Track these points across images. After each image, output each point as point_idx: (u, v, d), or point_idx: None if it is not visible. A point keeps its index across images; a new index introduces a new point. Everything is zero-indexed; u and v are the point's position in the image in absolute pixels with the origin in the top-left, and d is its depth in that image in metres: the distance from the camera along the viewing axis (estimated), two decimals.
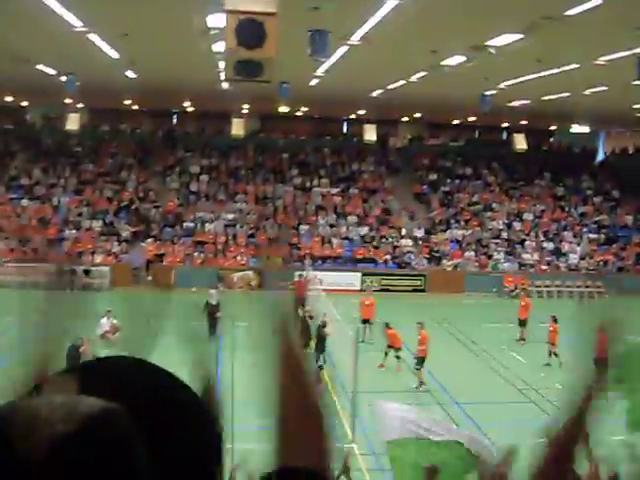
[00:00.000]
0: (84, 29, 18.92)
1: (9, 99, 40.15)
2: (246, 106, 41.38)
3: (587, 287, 36.44)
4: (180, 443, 1.05)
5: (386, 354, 21.54)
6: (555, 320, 22.81)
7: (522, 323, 26.24)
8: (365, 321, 25.29)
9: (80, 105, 39.84)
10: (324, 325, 20.84)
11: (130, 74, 28.23)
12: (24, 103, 44.60)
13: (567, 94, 28.53)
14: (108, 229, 37.58)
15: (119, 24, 18.46)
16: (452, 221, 40.95)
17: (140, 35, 19.60)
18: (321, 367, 20.37)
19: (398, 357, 21.22)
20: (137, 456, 0.93)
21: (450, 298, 33.21)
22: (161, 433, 1.01)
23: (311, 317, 22.10)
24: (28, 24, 18.21)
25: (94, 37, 20.19)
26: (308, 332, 21.73)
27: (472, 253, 38.52)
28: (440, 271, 36.90)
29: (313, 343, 21.72)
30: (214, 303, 24.79)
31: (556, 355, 22.01)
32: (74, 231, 36.96)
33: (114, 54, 23.18)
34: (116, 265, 34.94)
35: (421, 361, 20.32)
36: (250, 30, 9.38)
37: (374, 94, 31.76)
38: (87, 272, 33.55)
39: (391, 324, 21.69)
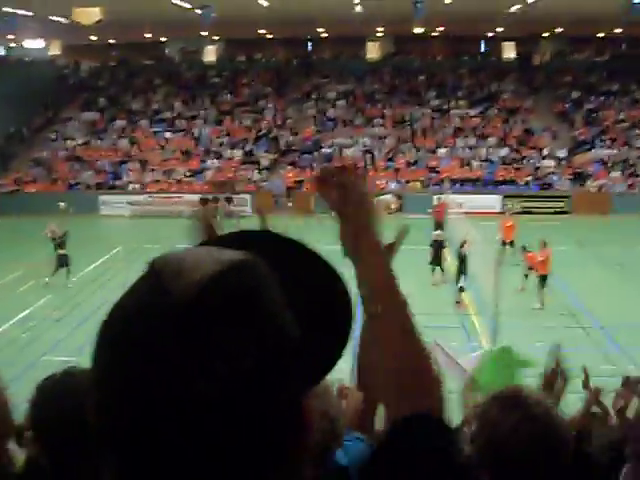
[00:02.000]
0: None
1: (148, 35, 41.10)
2: (380, 29, 40.84)
3: None
4: (312, 305, 1.06)
5: (526, 276, 21.17)
6: None
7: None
8: (506, 243, 24.86)
9: (216, 37, 40.40)
10: (462, 245, 20.68)
11: (263, 2, 28.30)
12: (163, 39, 45.61)
13: None
14: (248, 158, 38.25)
15: None
16: (597, 140, 39.39)
17: None
18: (462, 289, 20.29)
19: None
20: (279, 302, 0.96)
21: (596, 220, 32.15)
22: (296, 289, 1.02)
23: (441, 243, 21.99)
24: None
25: None
26: (438, 256, 21.67)
27: (618, 173, 37.03)
28: (585, 192, 35.70)
29: (444, 266, 21.68)
30: None
31: None
32: (216, 161, 37.84)
33: None
34: (257, 193, 35.62)
35: (543, 279, 20.02)
36: None
37: (512, 9, 30.67)
38: (229, 200, 34.40)
39: (530, 247, 21.21)
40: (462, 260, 20.42)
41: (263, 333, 0.91)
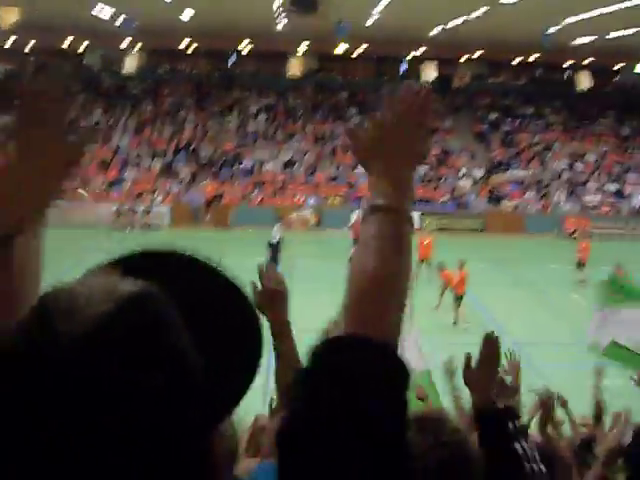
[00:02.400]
0: None
1: (68, 42, 40.41)
2: (303, 46, 41.06)
3: None
4: (218, 331, 1.05)
5: (442, 294, 21.50)
6: (620, 267, 22.41)
7: (581, 265, 25.93)
8: (423, 260, 25.15)
9: (138, 47, 40.01)
10: None
11: (187, 14, 28.17)
12: (83, 46, 44.88)
13: (634, 30, 27.65)
14: (167, 169, 37.90)
15: None
16: (512, 161, 40.35)
17: None
18: None
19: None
20: (178, 335, 0.94)
21: (509, 239, 32.87)
22: (200, 320, 1.00)
23: None
24: None
25: None
26: None
27: (532, 194, 37.97)
28: (499, 212, 36.50)
29: None
30: (275, 240, 25.21)
31: None
32: (134, 172, 37.37)
33: None
34: (175, 205, 35.30)
35: (459, 298, 20.28)
36: None
37: (433, 32, 31.22)
38: (147, 212, 34.02)
39: (446, 265, 21.59)
40: None
41: (160, 372, 0.88)
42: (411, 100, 1.64)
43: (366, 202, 1.55)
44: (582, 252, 26.15)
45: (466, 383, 3.09)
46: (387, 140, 1.58)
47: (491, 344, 3.10)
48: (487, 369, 3.02)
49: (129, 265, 1.05)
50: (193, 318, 0.98)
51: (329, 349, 1.28)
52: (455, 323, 20.17)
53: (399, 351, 1.34)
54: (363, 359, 1.24)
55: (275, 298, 3.01)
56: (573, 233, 34.22)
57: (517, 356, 5.19)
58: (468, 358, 3.12)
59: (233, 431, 2.63)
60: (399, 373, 1.27)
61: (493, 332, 3.21)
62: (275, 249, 24.83)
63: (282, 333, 3.00)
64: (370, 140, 1.61)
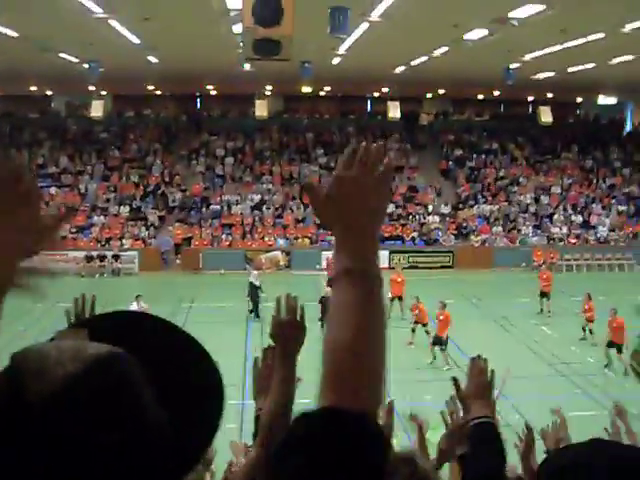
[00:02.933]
0: (104, 15, 18.96)
1: (33, 88, 40.37)
2: (269, 87, 41.33)
3: (617, 259, 36.20)
4: (181, 387, 1.07)
5: (413, 330, 21.54)
6: (590, 297, 22.66)
7: (544, 295, 26.19)
8: (394, 298, 25.29)
9: (104, 92, 40.05)
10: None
11: (152, 59, 28.29)
12: (48, 92, 44.85)
13: (592, 65, 28.17)
14: (135, 214, 37.79)
15: (139, 9, 18.48)
16: (479, 196, 40.74)
17: (161, 19, 19.60)
18: None
19: (427, 332, 21.17)
20: (140, 394, 0.96)
21: (479, 274, 33.08)
22: (163, 377, 1.03)
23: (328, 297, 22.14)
24: (48, 12, 18.29)
25: (115, 23, 20.23)
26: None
27: (500, 228, 38.31)
28: (468, 247, 36.76)
29: None
30: (257, 284, 25.34)
31: (591, 332, 21.93)
32: (102, 217, 37.21)
33: (135, 39, 23.23)
34: (144, 250, 35.16)
35: (440, 340, 20.18)
36: (267, 8, 9.34)
37: (397, 71, 31.57)
38: (116, 257, 33.85)
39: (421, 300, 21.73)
40: None
41: (120, 431, 0.90)
42: (369, 158, 1.62)
43: (333, 265, 1.54)
44: (544, 282, 26.40)
45: (462, 402, 3.11)
46: (350, 196, 1.56)
47: (479, 365, 3.15)
48: (481, 388, 3.06)
49: (95, 327, 1.08)
50: (157, 377, 1.00)
51: (307, 423, 1.28)
52: (431, 363, 20.13)
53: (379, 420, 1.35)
54: (341, 433, 1.23)
55: (288, 329, 3.05)
56: (541, 265, 34.51)
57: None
58: (456, 381, 3.15)
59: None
60: (377, 446, 1.26)
61: (480, 355, 3.26)
62: (256, 292, 25.16)
63: (282, 365, 2.99)
64: (331, 195, 1.59)
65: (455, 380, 3.15)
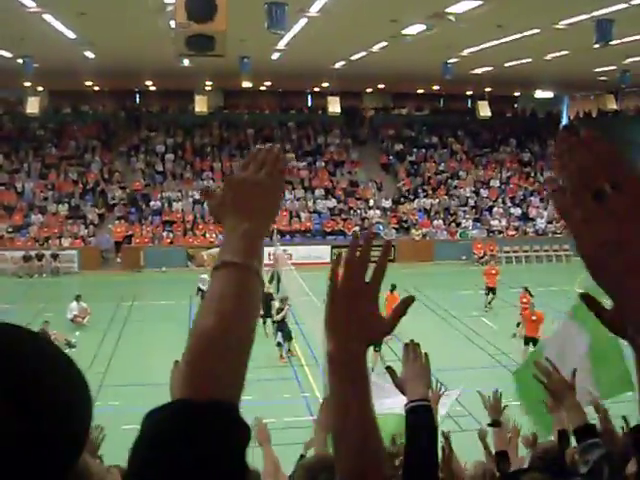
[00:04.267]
0: (38, 9, 18.60)
1: None
2: (209, 83, 41.05)
3: (555, 251, 36.84)
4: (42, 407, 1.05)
5: None
6: (527, 291, 22.52)
7: (491, 291, 26.25)
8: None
9: (40, 88, 39.33)
10: (282, 301, 20.87)
11: (89, 54, 27.86)
12: None
13: (529, 59, 28.57)
14: (74, 212, 37.22)
15: (74, 3, 18.17)
16: (419, 190, 41.06)
17: (97, 14, 19.29)
18: (279, 344, 20.32)
19: None
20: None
21: (420, 267, 33.34)
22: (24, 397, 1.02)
23: (271, 295, 21.99)
24: None
25: (49, 17, 19.86)
26: (268, 308, 21.48)
27: (440, 222, 38.68)
28: (409, 241, 37.02)
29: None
30: (205, 288, 24.40)
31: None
32: (40, 216, 36.56)
33: (71, 34, 22.84)
34: (84, 248, 34.67)
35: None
36: (200, 4, 9.26)
37: (337, 66, 31.61)
38: (55, 257, 33.32)
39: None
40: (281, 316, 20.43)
41: None
42: (266, 160, 1.67)
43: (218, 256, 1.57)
44: (491, 277, 26.48)
45: (398, 387, 3.12)
46: (239, 197, 1.62)
47: (412, 350, 3.17)
48: (416, 371, 3.08)
49: None
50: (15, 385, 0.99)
51: (165, 415, 1.27)
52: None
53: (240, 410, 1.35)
54: (199, 424, 1.24)
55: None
56: (482, 258, 34.99)
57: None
58: (390, 369, 3.16)
59: None
60: (236, 434, 1.28)
61: (412, 340, 3.29)
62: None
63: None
64: (224, 198, 1.64)
65: (389, 368, 3.17)
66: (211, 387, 1.32)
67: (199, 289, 24.63)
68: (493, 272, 26.59)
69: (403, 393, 3.08)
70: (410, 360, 3.13)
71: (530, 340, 19.50)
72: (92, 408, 1.17)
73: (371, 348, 1.82)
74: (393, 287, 22.44)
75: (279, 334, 20.29)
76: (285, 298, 21.19)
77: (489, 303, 26.05)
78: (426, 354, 3.20)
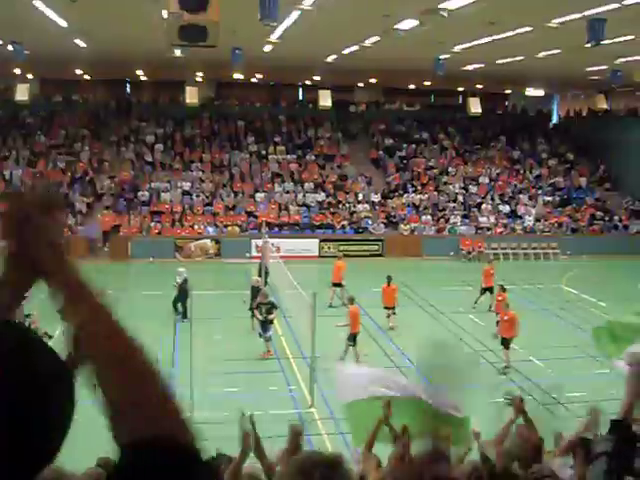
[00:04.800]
0: None
1: None
2: (200, 74, 40.98)
3: (543, 249, 36.95)
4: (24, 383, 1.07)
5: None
6: (503, 289, 22.13)
7: (488, 290, 25.23)
8: (336, 284, 25.58)
9: (30, 76, 39.16)
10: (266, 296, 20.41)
11: (80, 43, 27.75)
12: None
13: (521, 57, 28.62)
14: (62, 201, 37.00)
15: None
16: (408, 186, 41.07)
17: (88, 2, 19.20)
18: (268, 338, 19.93)
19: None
20: None
21: (408, 262, 33.39)
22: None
23: (259, 288, 21.57)
24: None
25: (40, 4, 19.74)
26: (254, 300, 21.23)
27: (429, 217, 38.71)
28: (397, 235, 37.06)
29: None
30: (180, 281, 23.73)
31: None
32: None
33: (62, 22, 22.72)
34: (71, 237, 34.51)
35: (352, 337, 19.28)
36: None
37: (329, 59, 31.58)
38: None
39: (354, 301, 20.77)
40: (267, 310, 19.95)
41: None
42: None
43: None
44: (487, 277, 25.67)
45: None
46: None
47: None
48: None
49: None
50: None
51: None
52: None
53: None
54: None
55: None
56: (469, 254, 35.10)
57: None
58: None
59: None
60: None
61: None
62: (182, 288, 23.70)
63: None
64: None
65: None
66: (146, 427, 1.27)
67: (180, 284, 23.86)
68: (492, 272, 25.71)
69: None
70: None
71: (503, 340, 19.50)
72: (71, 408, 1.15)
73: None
74: (389, 279, 23.08)
75: (270, 328, 19.89)
76: (271, 302, 20.42)
77: (476, 302, 25.58)
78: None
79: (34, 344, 1.16)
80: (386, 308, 22.87)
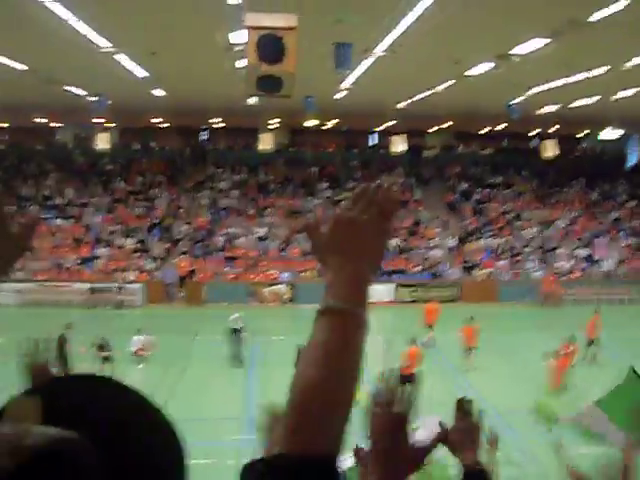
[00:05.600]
0: (111, 49, 19.11)
1: (40, 120, 40.63)
2: (274, 121, 41.55)
3: (622, 294, 35.95)
4: (144, 469, 1.02)
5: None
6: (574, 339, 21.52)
7: (590, 343, 24.05)
8: (430, 326, 26.39)
9: (110, 124, 40.27)
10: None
11: (158, 92, 28.48)
12: (55, 124, 45.15)
13: (597, 98, 28.27)
14: (140, 246, 37.79)
15: (146, 43, 18.63)
16: (484, 230, 40.69)
17: (167, 54, 19.76)
18: None
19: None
20: None
21: (484, 307, 32.88)
22: (123, 457, 0.98)
23: None
24: (56, 46, 18.45)
25: (121, 57, 20.38)
26: None
27: (505, 262, 38.20)
28: (473, 280, 36.63)
29: None
30: (237, 327, 24.07)
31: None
32: (107, 249, 37.23)
33: (142, 73, 23.38)
34: (149, 282, 35.12)
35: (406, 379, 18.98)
36: (270, 45, 9.40)
37: (401, 105, 31.70)
38: (120, 290, 33.83)
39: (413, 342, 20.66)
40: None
41: None
42: (377, 200, 1.57)
43: (321, 300, 1.51)
44: (590, 329, 24.33)
45: (449, 445, 3.00)
46: (347, 237, 1.53)
47: (464, 407, 3.08)
48: (467, 431, 2.99)
49: (51, 395, 1.02)
50: (113, 458, 0.95)
51: (266, 470, 1.25)
52: None
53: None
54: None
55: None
56: (547, 298, 34.36)
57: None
58: (443, 426, 3.05)
59: None
60: None
61: (464, 397, 3.19)
62: (237, 336, 23.89)
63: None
64: (329, 235, 1.56)
65: (441, 423, 3.06)
66: (314, 442, 1.28)
67: (234, 330, 23.95)
68: (595, 320, 24.41)
69: (452, 451, 2.98)
70: (461, 418, 3.04)
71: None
72: (183, 461, 1.15)
73: None
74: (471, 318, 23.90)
75: None
76: None
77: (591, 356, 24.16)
78: (480, 411, 3.11)
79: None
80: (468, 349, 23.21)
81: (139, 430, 1.07)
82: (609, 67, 20.82)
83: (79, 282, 34.14)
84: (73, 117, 39.16)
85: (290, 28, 9.73)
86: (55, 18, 15.08)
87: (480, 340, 23.76)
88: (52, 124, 44.97)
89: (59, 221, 39.02)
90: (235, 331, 23.99)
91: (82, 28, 16.42)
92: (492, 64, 20.17)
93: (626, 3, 13.25)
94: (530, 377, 21.97)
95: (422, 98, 28.72)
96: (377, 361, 17.77)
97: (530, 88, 25.76)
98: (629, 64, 20.05)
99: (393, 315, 30.60)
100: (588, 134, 49.75)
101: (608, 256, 38.91)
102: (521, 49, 17.84)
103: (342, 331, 1.42)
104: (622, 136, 45.92)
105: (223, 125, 45.24)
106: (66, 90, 27.05)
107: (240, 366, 23.04)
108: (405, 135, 39.87)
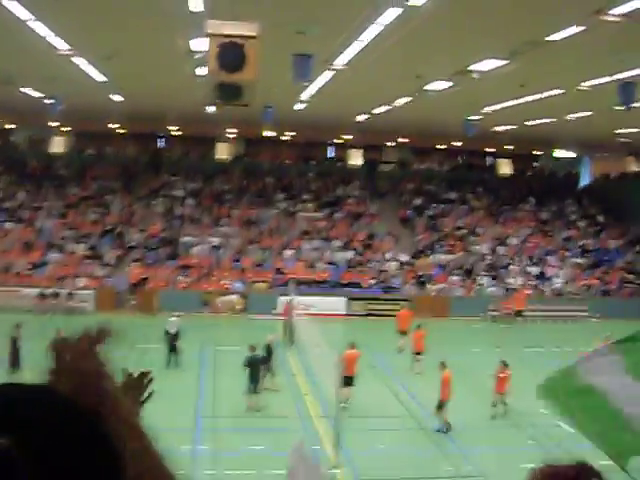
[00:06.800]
0: (69, 52, 18.93)
1: None
2: (231, 130, 41.45)
3: (571, 311, 36.43)
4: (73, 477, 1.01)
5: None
6: (506, 365, 20.92)
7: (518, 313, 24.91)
8: (403, 332, 26.87)
9: (65, 128, 39.85)
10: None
11: (116, 98, 28.26)
12: (9, 125, 44.54)
13: (551, 119, 28.71)
14: (92, 253, 37.34)
15: (104, 47, 18.47)
16: (437, 245, 40.95)
17: (125, 59, 19.59)
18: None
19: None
20: None
21: (435, 322, 33.04)
22: (54, 469, 0.96)
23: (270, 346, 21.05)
24: (12, 47, 18.22)
25: (79, 60, 20.18)
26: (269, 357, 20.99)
27: (457, 277, 38.47)
28: (425, 295, 36.81)
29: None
30: (172, 332, 24.24)
31: (504, 404, 20.13)
32: (58, 254, 36.71)
33: (99, 77, 23.18)
34: (100, 289, 34.71)
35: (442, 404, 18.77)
36: (231, 54, 9.41)
37: (359, 119, 31.86)
38: (70, 296, 33.37)
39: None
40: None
41: None
42: None
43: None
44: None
45: None
46: None
47: None
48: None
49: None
50: (46, 467, 0.95)
51: None
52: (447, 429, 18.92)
53: None
54: None
55: None
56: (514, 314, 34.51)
57: None
58: None
59: None
60: None
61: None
62: (173, 339, 24.04)
63: None
64: None
65: None
66: None
67: (166, 332, 24.22)
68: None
69: None
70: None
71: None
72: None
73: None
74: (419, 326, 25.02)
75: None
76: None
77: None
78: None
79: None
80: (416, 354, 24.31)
81: (73, 441, 1.04)
82: (563, 89, 21.17)
83: (29, 287, 33.60)
84: (28, 119, 38.67)
85: (251, 37, 9.74)
86: (12, 18, 14.91)
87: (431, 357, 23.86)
88: (6, 125, 44.34)
89: (9, 225, 38.39)
90: (168, 333, 24.14)
91: (41, 29, 16.25)
92: (450, 83, 20.40)
93: (583, 28, 13.50)
94: (474, 387, 22.13)
95: (381, 112, 28.90)
96: (328, 373, 17.79)
97: (487, 106, 26.08)
98: (582, 86, 20.41)
99: (344, 329, 30.57)
100: (541, 154, 50.51)
101: (559, 274, 39.44)
102: (479, 67, 18.07)
103: None
104: (574, 157, 46.81)
105: (180, 133, 45.02)
106: (22, 92, 26.73)
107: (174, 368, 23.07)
108: (362, 149, 40.17)
